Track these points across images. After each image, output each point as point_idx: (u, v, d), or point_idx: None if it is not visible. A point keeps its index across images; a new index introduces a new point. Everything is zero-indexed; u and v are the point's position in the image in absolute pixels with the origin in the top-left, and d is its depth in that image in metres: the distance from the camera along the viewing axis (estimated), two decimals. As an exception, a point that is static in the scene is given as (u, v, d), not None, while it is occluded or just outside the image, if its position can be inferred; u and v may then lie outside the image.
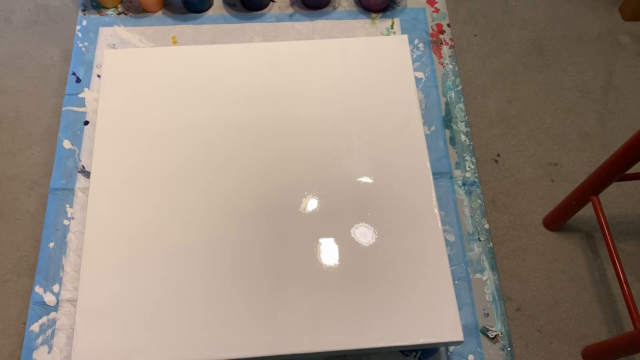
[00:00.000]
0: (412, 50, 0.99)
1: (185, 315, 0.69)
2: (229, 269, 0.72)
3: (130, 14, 1.01)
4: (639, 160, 0.87)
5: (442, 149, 0.91)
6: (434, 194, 0.77)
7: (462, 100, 0.96)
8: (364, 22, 1.02)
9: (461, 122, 0.94)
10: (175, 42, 0.99)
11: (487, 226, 0.86)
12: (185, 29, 1.00)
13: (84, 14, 1.01)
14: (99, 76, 0.94)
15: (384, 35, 1.01)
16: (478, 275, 0.82)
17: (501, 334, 0.79)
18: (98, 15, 1.01)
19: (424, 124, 0.92)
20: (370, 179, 0.79)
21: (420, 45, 1.00)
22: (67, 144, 0.88)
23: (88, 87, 0.93)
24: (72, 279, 0.78)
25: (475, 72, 1.34)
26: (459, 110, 0.95)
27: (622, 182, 1.15)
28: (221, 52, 0.88)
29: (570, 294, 1.09)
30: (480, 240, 0.85)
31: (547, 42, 1.40)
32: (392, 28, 1.02)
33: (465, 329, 0.79)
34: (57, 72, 1.26)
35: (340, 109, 0.84)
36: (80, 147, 0.88)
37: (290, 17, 1.02)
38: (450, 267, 0.73)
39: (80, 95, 0.93)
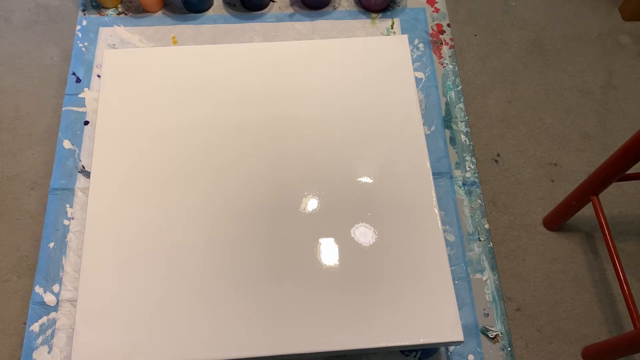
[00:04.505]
0: (412, 50, 0.99)
1: (185, 315, 0.69)
2: (229, 269, 0.72)
3: (130, 14, 1.01)
4: (639, 160, 0.87)
5: (442, 149, 0.91)
6: (434, 194, 0.77)
7: (462, 100, 0.96)
8: (364, 22, 1.02)
9: (461, 122, 0.94)
10: (175, 42, 0.99)
11: (487, 226, 0.86)
12: (185, 29, 1.00)
13: (84, 14, 1.01)
14: (99, 76, 0.94)
15: (384, 35, 1.01)
16: (478, 275, 0.82)
17: (501, 334, 0.79)
18: (98, 15, 1.01)
19: (424, 124, 0.92)
20: (370, 178, 0.79)
21: (420, 45, 1.00)
22: (67, 144, 0.88)
23: (88, 87, 0.93)
24: (72, 279, 0.78)
25: (475, 72, 1.34)
26: (459, 110, 0.95)
27: (622, 182, 1.15)
28: (221, 52, 0.88)
29: (570, 294, 1.09)
30: (480, 240, 0.85)
31: (547, 42, 1.40)
32: (392, 28, 1.02)
33: (465, 329, 0.79)
34: (57, 72, 1.26)
35: (340, 109, 0.84)
36: (80, 147, 0.88)
37: (290, 17, 1.02)
38: (450, 267, 0.73)
39: (80, 95, 0.93)
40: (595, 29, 1.42)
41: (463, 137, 0.92)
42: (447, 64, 0.99)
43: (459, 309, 0.71)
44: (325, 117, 0.83)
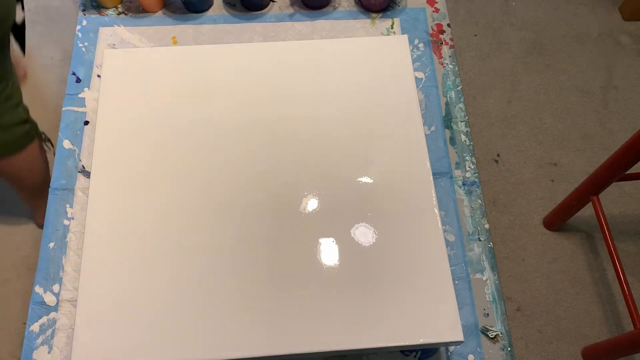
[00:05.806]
0: (412, 50, 0.99)
1: (185, 315, 0.69)
2: (229, 269, 0.72)
3: (130, 14, 1.01)
4: (639, 160, 0.88)
5: (442, 149, 0.91)
6: (434, 194, 0.77)
7: (462, 100, 0.96)
8: (364, 22, 1.02)
9: (461, 122, 0.94)
10: (175, 42, 0.99)
11: (487, 226, 0.86)
12: (185, 29, 1.00)
13: (84, 14, 1.01)
14: (99, 76, 0.94)
15: (384, 35, 1.01)
16: (478, 275, 0.82)
17: (501, 334, 0.79)
18: (98, 15, 1.01)
19: (424, 124, 0.92)
20: (370, 179, 0.79)
21: (420, 45, 1.00)
22: (67, 144, 0.88)
23: (88, 87, 0.93)
24: (72, 279, 0.78)
25: (475, 72, 1.34)
26: (459, 110, 0.95)
27: (622, 182, 1.15)
28: (221, 52, 0.88)
29: (570, 294, 1.09)
30: (480, 240, 0.85)
31: (547, 42, 1.40)
32: (392, 28, 1.02)
33: (465, 329, 0.79)
34: (57, 72, 1.26)
35: (340, 109, 0.84)
36: (80, 147, 0.88)
37: (291, 17, 1.02)
38: (450, 267, 0.73)
39: (80, 95, 0.93)
40: (595, 29, 1.42)
41: (463, 137, 0.92)
42: (447, 64, 0.99)
43: (459, 309, 0.71)
44: (325, 117, 0.83)
